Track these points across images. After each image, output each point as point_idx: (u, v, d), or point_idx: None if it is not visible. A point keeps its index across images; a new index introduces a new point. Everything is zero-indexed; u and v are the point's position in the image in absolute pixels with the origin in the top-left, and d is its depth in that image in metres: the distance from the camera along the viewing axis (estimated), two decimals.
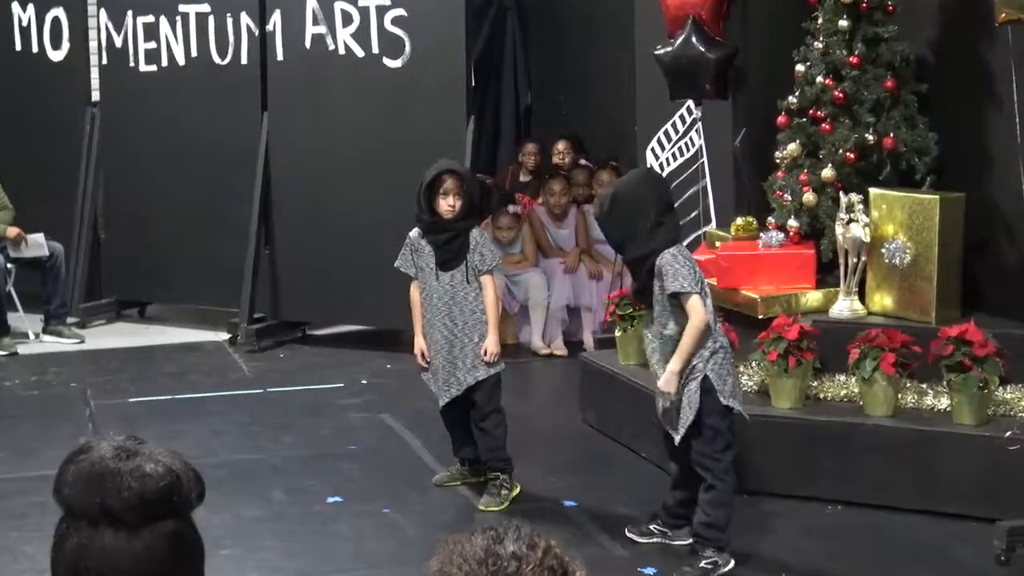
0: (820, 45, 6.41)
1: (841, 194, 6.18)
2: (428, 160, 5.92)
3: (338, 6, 8.68)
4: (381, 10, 8.55)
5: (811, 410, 5.90)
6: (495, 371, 5.77)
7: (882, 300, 6.21)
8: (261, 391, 7.80)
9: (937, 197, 6.01)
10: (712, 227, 7.16)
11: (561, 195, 9.06)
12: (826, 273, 6.41)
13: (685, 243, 5.47)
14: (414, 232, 5.81)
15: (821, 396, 6.00)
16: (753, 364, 6.05)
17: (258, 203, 8.98)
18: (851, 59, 6.32)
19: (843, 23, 6.32)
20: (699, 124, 7.30)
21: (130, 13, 9.45)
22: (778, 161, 6.56)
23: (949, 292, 6.06)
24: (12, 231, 8.89)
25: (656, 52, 6.94)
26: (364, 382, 7.97)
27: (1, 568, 5.09)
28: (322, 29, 8.74)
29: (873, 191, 6.21)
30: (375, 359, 8.49)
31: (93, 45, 9.81)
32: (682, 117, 7.56)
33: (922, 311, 6.04)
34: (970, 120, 6.29)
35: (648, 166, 7.59)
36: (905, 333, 5.75)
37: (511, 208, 9.22)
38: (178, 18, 9.30)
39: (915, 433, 5.64)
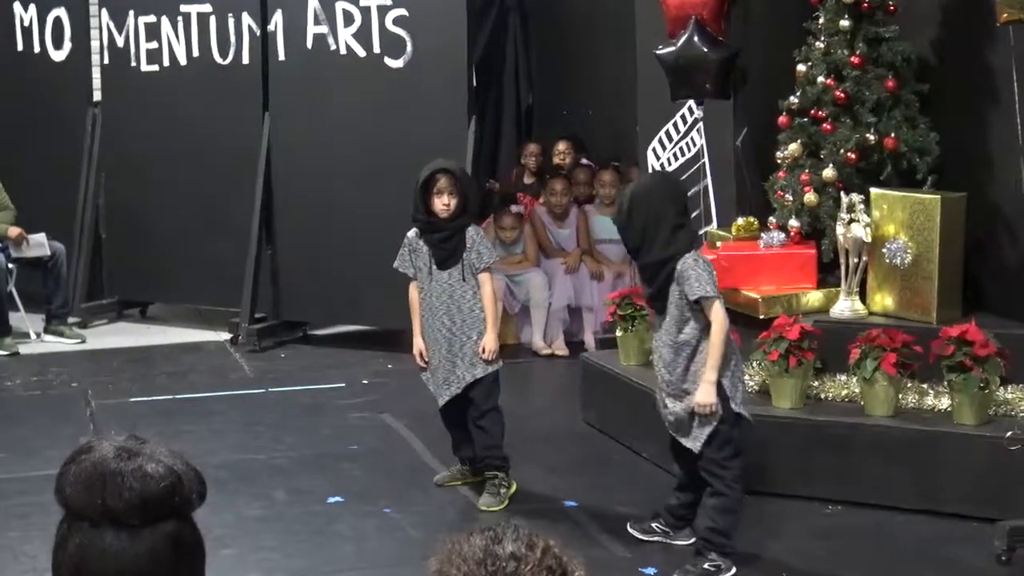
0: (821, 45, 6.40)
1: (842, 194, 6.18)
2: (429, 160, 5.92)
3: (339, 6, 8.67)
4: (382, 10, 8.54)
5: (812, 410, 5.90)
6: (493, 369, 5.78)
7: (883, 300, 6.21)
8: (262, 391, 7.80)
9: (938, 197, 6.01)
10: (713, 227, 7.15)
11: (562, 195, 9.06)
12: (827, 273, 6.40)
13: None
14: (412, 232, 5.81)
15: (822, 396, 6.00)
16: (754, 364, 6.05)
17: (259, 203, 8.98)
18: (852, 59, 6.31)
19: (844, 23, 6.31)
20: (700, 124, 7.30)
21: (131, 13, 9.43)
22: (779, 161, 6.56)
23: (950, 292, 6.06)
24: (14, 231, 8.89)
25: (657, 51, 6.94)
26: (365, 382, 7.97)
27: (2, 568, 5.09)
28: (323, 29, 8.74)
29: (874, 191, 6.21)
30: (376, 359, 8.49)
31: (95, 45, 9.79)
32: (683, 117, 7.55)
33: (923, 311, 6.03)
34: (971, 120, 6.28)
35: (662, 169, 7.58)
36: (906, 333, 5.75)
37: (514, 208, 9.22)
38: (179, 18, 9.29)
39: (916, 433, 5.64)
